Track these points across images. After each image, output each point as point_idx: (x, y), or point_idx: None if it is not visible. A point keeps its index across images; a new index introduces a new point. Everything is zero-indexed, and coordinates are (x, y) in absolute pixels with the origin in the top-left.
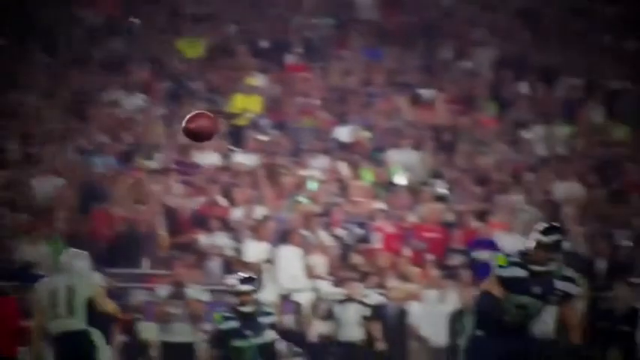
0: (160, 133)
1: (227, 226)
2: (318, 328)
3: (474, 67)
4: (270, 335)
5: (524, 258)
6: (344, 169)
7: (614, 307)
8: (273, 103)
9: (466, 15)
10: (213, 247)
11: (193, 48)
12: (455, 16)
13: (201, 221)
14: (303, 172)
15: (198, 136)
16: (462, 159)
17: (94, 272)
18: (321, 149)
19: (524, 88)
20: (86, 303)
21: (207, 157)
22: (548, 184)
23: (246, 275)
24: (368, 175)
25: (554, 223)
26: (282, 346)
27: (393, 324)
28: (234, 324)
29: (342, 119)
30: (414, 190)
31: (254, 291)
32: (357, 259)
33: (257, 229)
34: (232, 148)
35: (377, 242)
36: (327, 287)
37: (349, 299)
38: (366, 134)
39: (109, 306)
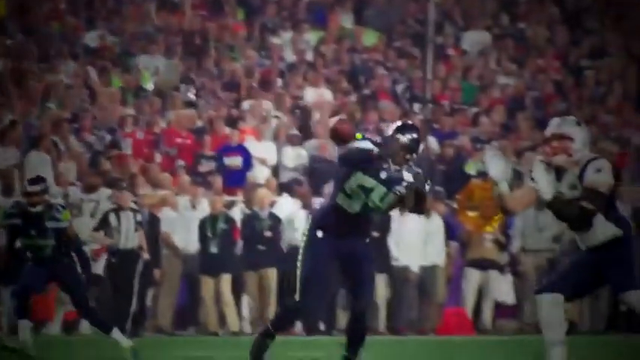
0: None
1: None
2: (95, 237)
3: None
4: (59, 238)
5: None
6: (93, 74)
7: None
8: (18, 6)
9: None
10: None
11: None
12: None
13: None
14: (51, 78)
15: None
16: (211, 64)
17: None
18: (69, 54)
19: None
20: None
21: None
22: (298, 90)
23: (35, 176)
24: (117, 81)
25: (409, 121)
26: (67, 249)
27: (145, 231)
28: (17, 221)
29: (90, 24)
30: (164, 96)
31: (43, 192)
32: (107, 165)
33: (5, 135)
34: None
35: (127, 148)
36: (77, 194)
37: (121, 208)
38: (115, 39)
39: None
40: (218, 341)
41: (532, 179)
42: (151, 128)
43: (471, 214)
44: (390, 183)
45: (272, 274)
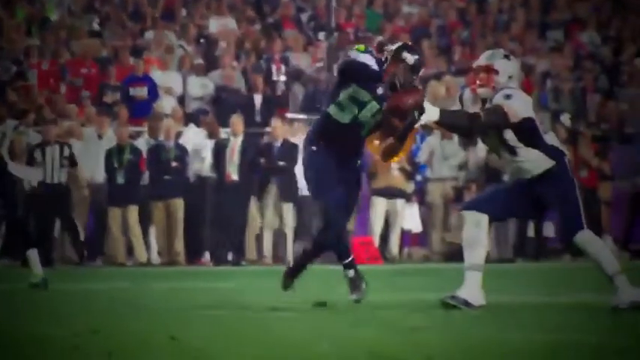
0: None
1: None
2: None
3: None
4: None
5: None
6: None
7: (272, 142)
8: None
9: None
10: None
11: None
12: None
13: None
14: None
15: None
16: None
17: None
18: None
19: None
20: None
21: None
22: (202, 19)
23: None
24: (20, 12)
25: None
26: None
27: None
28: None
29: None
30: (68, 27)
31: None
32: (13, 95)
33: None
34: None
35: (33, 79)
36: None
37: (47, 142)
38: None
39: None
40: (126, 272)
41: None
42: (56, 59)
43: (377, 142)
44: (385, 100)
45: (179, 204)
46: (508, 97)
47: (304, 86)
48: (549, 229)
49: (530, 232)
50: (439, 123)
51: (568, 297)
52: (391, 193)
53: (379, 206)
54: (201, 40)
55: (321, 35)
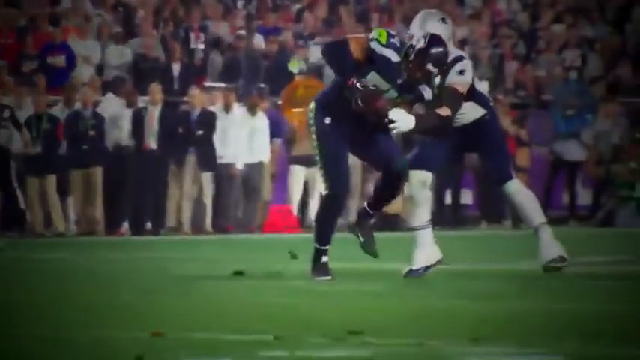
0: None
1: None
2: None
3: None
4: None
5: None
6: None
7: (190, 111)
8: None
9: None
10: None
11: None
12: None
13: None
14: None
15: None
16: None
17: None
18: None
19: None
20: None
21: None
22: None
23: None
24: None
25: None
26: None
27: None
28: None
29: None
30: None
31: None
32: None
33: None
34: None
35: None
36: None
37: None
38: None
39: None
40: (44, 243)
41: None
42: None
43: (295, 110)
44: (404, 90)
45: (97, 173)
46: (461, 72)
47: (223, 55)
48: (467, 197)
49: (448, 199)
50: (414, 130)
51: (487, 264)
52: (310, 160)
53: (298, 174)
54: (120, 9)
55: (240, 3)
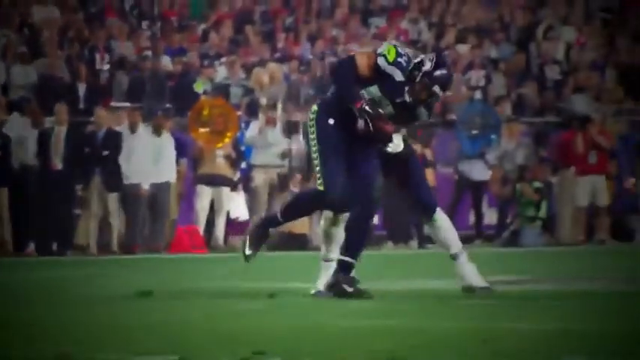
0: None
1: None
2: None
3: None
4: None
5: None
6: None
7: (96, 132)
8: None
9: None
10: None
11: None
12: None
13: None
14: None
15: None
16: None
17: None
18: None
19: None
20: None
21: None
22: (26, 7)
23: None
24: None
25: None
26: None
27: None
28: None
29: None
30: None
31: None
32: None
33: None
34: None
35: None
36: None
37: None
38: None
39: None
40: None
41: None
42: None
43: (202, 130)
44: (403, 109)
45: (3, 193)
46: None
47: (128, 75)
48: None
49: None
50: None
51: (394, 283)
52: (216, 180)
53: (204, 194)
54: (25, 29)
55: (145, 24)
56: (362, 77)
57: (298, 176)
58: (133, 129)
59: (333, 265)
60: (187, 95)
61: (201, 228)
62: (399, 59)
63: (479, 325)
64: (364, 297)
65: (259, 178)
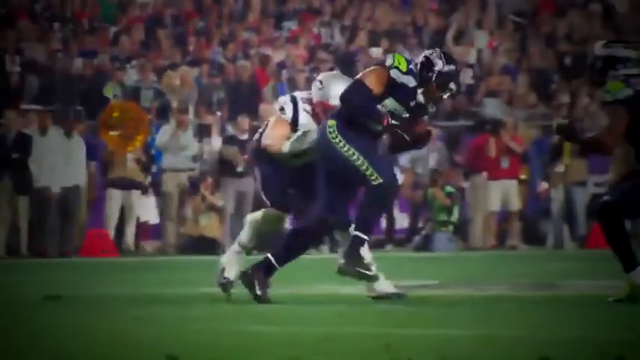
0: None
1: None
2: None
3: None
4: None
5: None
6: None
7: (5, 134)
8: None
9: None
10: None
11: None
12: None
13: None
14: None
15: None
16: None
17: None
18: None
19: None
20: None
21: None
22: None
23: None
24: None
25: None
26: None
27: None
28: None
29: None
30: None
31: None
32: None
33: None
34: None
35: None
36: None
37: None
38: None
39: None
40: None
41: None
42: None
43: (112, 133)
44: (417, 110)
45: None
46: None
47: (39, 77)
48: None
49: None
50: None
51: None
52: (126, 184)
53: (114, 198)
54: None
55: (56, 26)
56: (376, 95)
57: (209, 180)
58: (43, 132)
59: (242, 256)
60: (98, 98)
61: (111, 232)
62: (410, 66)
63: (384, 331)
64: None
65: (170, 182)
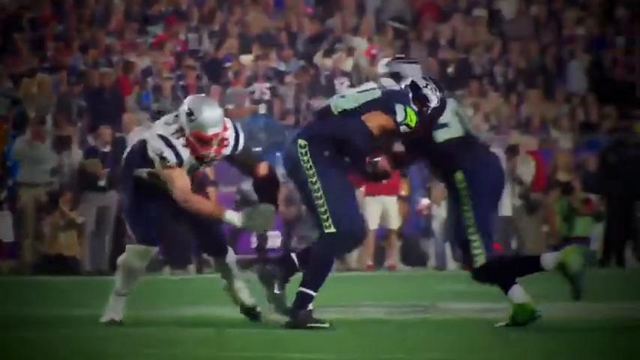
0: None
1: None
2: None
3: None
4: None
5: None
6: None
7: None
8: None
9: None
10: None
11: None
12: None
13: None
14: None
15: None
16: None
17: None
18: None
19: None
20: None
21: None
22: None
23: None
24: None
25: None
26: None
27: None
28: None
29: None
30: None
31: None
32: None
33: None
34: None
35: None
36: None
37: None
38: None
39: None
40: None
41: None
42: None
43: None
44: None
45: None
46: None
47: None
48: None
49: None
50: None
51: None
52: None
53: None
54: None
55: None
56: (375, 137)
57: (69, 194)
58: None
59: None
60: None
61: None
62: (418, 117)
63: (265, 355)
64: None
65: (26, 197)
